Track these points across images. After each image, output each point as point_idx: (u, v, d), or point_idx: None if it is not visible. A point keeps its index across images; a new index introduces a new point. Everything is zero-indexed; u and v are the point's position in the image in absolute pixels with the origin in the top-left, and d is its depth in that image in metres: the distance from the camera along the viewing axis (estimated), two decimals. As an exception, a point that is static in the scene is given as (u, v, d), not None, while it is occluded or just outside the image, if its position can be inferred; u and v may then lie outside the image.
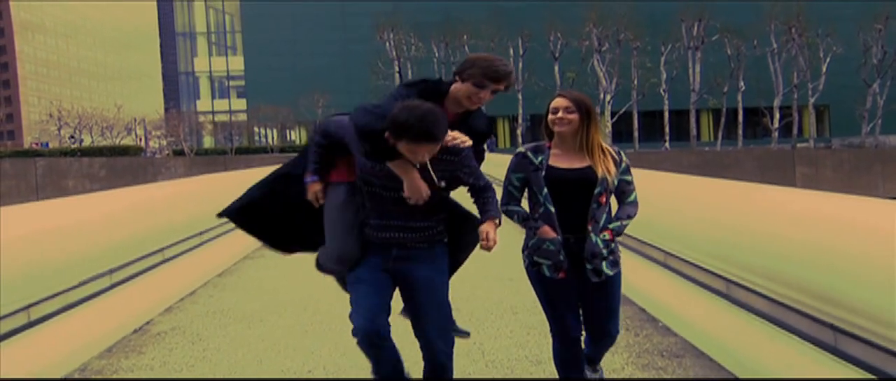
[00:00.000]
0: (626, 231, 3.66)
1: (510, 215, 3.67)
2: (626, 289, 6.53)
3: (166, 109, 76.26)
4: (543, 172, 3.53)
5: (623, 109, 58.00)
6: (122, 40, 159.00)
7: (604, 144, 3.56)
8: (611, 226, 3.56)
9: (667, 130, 58.83)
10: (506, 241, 3.85)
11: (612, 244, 3.58)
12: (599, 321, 3.71)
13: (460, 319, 6.04)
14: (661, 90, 57.92)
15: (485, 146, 3.74)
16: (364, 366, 4.75)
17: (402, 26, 62.48)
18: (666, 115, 58.79)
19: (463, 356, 5.01)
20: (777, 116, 56.67)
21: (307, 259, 9.39)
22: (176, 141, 69.29)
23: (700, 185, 6.84)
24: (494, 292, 7.06)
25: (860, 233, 3.78)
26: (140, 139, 73.44)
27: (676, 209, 5.95)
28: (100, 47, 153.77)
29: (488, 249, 3.30)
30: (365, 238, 3.45)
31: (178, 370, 4.86)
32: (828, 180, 21.72)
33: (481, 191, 3.42)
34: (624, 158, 3.62)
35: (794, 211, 4.54)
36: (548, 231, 3.52)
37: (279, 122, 68.91)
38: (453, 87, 3.44)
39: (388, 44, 63.25)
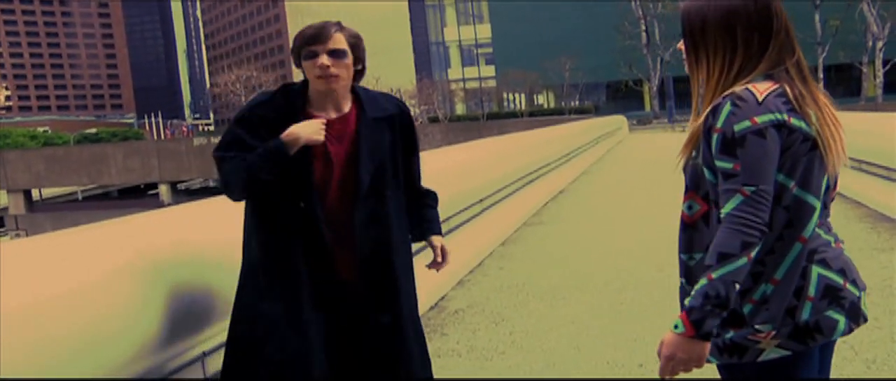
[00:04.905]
0: None
1: None
2: None
3: (418, 80, 79.38)
4: None
5: (898, 58, 51.24)
6: (376, 18, 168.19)
7: None
8: None
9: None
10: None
11: None
12: None
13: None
14: (947, 32, 50.39)
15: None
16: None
17: (649, -16, 59.54)
18: (951, 61, 51.18)
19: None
20: None
21: (595, 226, 8.73)
22: (430, 109, 71.89)
23: None
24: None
25: None
26: (397, 109, 77.26)
27: None
28: (358, 26, 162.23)
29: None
30: None
31: (488, 356, 4.35)
32: None
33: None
34: None
35: None
36: None
37: (527, 86, 69.11)
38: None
39: (633, 3, 60.69)
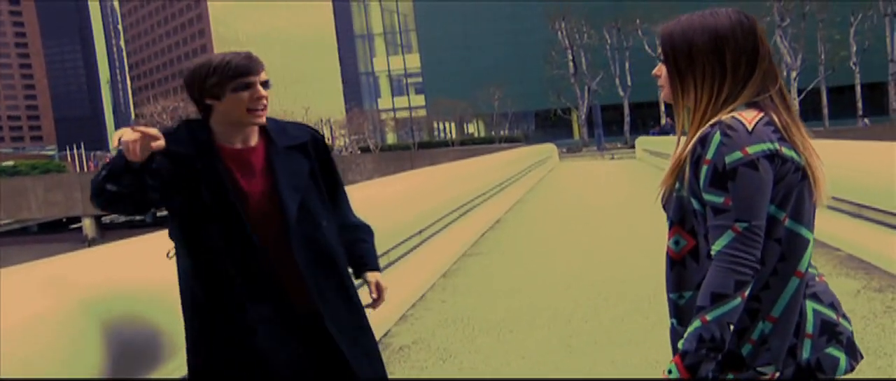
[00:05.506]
0: None
1: None
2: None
3: (348, 109, 79.19)
4: None
5: (811, 86, 53.76)
6: (303, 47, 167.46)
7: None
8: None
9: (859, 105, 54.19)
10: None
11: None
12: None
13: None
14: (852, 63, 53.24)
15: None
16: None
17: (574, 14, 60.89)
18: (858, 89, 54.13)
19: None
20: None
21: (535, 255, 8.63)
22: (361, 139, 71.66)
23: None
24: None
25: None
26: (327, 139, 76.98)
27: None
28: (285, 55, 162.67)
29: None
30: None
31: (438, 395, 4.19)
32: None
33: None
34: None
35: None
36: None
37: (457, 115, 69.54)
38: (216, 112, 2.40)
39: (560, 33, 62.11)
